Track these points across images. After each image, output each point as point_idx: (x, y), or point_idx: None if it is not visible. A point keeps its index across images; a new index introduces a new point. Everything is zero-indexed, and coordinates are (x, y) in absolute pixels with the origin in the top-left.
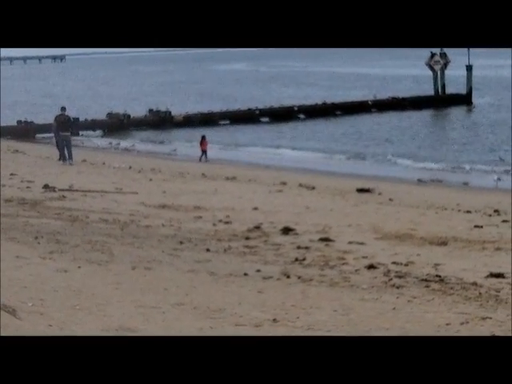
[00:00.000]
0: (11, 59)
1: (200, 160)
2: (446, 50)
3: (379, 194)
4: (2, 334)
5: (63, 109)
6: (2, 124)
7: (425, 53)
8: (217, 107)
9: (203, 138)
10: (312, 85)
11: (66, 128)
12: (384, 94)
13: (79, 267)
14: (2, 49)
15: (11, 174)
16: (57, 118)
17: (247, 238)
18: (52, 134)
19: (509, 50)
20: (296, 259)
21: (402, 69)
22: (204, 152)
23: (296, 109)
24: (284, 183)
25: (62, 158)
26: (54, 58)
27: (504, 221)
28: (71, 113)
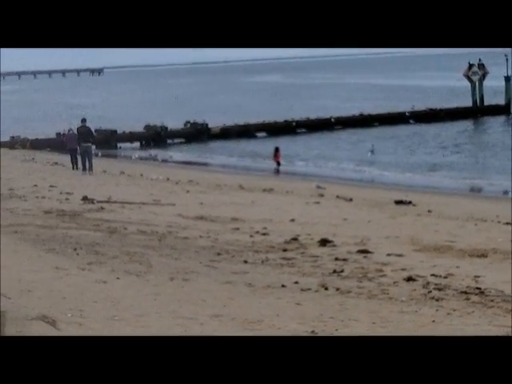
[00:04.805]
0: (50, 73)
1: (276, 172)
2: (483, 61)
3: (417, 205)
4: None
5: (84, 120)
6: (42, 137)
7: (462, 64)
8: (253, 119)
9: (277, 149)
10: (348, 97)
11: (86, 139)
12: (422, 106)
13: (118, 278)
14: (40, 62)
15: (50, 186)
16: (78, 130)
17: (285, 250)
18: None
19: None
20: (334, 271)
21: (439, 80)
22: (278, 163)
23: (333, 120)
24: (321, 195)
25: (82, 168)
26: (92, 71)
27: None
28: (109, 125)
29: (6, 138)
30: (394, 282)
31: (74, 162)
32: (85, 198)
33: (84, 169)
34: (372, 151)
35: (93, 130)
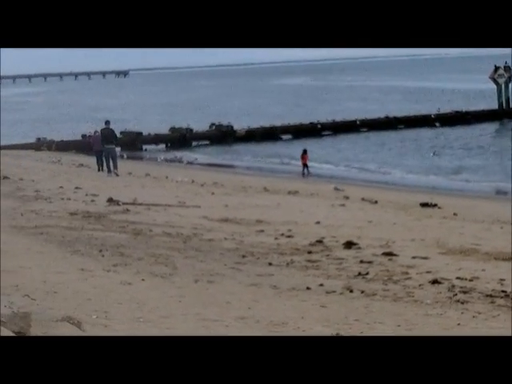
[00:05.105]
0: (76, 75)
1: (303, 175)
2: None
3: (442, 208)
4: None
5: (107, 122)
6: (68, 138)
7: (487, 66)
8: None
9: (304, 151)
10: (374, 99)
11: (110, 141)
12: (447, 108)
13: (143, 280)
14: (66, 65)
15: (76, 188)
16: (102, 132)
17: (309, 252)
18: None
19: None
20: (359, 273)
21: (465, 83)
22: (305, 166)
23: (358, 122)
24: (346, 197)
25: (107, 169)
26: (118, 73)
27: None
28: (134, 127)
29: (31, 140)
30: (420, 285)
31: (100, 163)
32: (110, 200)
33: (109, 171)
34: (434, 152)
35: (116, 132)
